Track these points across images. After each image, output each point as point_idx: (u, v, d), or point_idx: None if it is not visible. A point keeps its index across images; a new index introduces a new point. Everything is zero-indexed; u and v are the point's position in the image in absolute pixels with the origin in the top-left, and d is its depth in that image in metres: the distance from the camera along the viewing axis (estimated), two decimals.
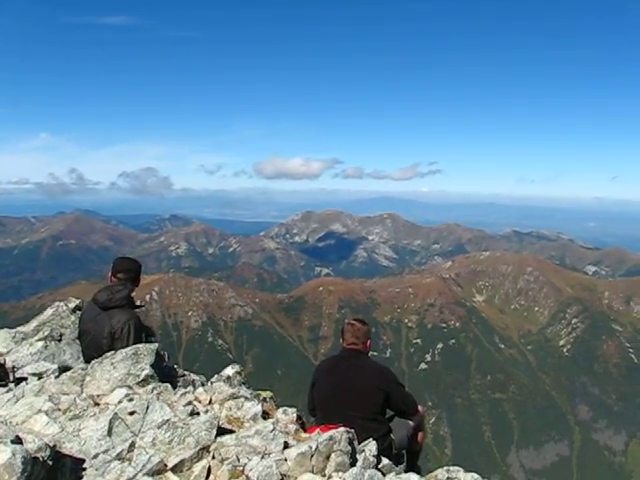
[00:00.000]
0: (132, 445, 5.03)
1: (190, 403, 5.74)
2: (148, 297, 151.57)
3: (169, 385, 6.20)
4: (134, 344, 6.90)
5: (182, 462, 4.88)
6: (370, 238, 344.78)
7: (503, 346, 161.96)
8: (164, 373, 6.87)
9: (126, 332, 7.11)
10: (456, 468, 5.76)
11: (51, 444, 4.78)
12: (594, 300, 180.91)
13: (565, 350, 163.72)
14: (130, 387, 6.02)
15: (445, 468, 5.81)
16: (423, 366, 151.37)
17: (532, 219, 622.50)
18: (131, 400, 5.56)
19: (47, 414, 5.45)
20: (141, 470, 4.67)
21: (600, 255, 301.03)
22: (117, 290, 7.48)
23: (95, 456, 4.96)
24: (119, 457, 4.92)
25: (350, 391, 6.78)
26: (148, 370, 6.25)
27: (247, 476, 4.81)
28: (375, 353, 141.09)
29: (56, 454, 4.78)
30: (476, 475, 5.50)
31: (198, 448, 5.04)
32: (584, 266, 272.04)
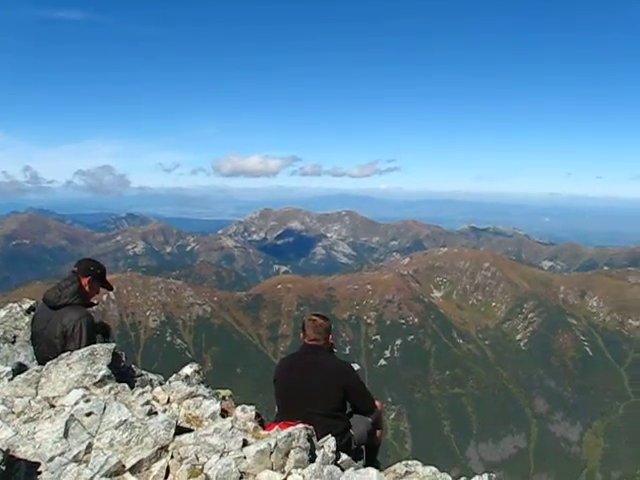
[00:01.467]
0: (89, 447, 4.96)
1: (148, 403, 5.69)
2: (105, 297, 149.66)
3: (126, 385, 6.13)
4: (87, 343, 6.82)
5: (140, 462, 4.84)
6: (328, 235, 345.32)
7: (461, 341, 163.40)
8: (121, 373, 6.80)
9: (78, 331, 7.00)
10: (414, 462, 5.80)
11: (4, 448, 4.70)
12: (550, 294, 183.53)
13: (522, 344, 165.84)
14: (87, 388, 5.94)
15: (404, 462, 5.84)
16: (382, 362, 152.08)
17: (489, 215, 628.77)
18: (88, 401, 5.48)
19: (0, 418, 5.36)
20: (98, 472, 4.62)
21: (555, 250, 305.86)
22: (65, 286, 7.37)
23: (51, 459, 4.87)
24: (76, 459, 4.85)
25: (309, 387, 6.77)
26: (105, 370, 6.17)
27: (206, 475, 4.79)
28: (334, 350, 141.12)
29: (9, 458, 4.69)
30: (434, 468, 5.55)
31: (156, 448, 5.00)
32: (540, 261, 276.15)
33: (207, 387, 7.20)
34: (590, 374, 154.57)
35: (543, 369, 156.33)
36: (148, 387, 6.37)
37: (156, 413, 5.54)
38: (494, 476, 4.94)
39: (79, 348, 6.73)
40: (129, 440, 5.02)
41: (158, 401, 6.01)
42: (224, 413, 6.14)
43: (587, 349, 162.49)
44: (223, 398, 7.20)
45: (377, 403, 7.43)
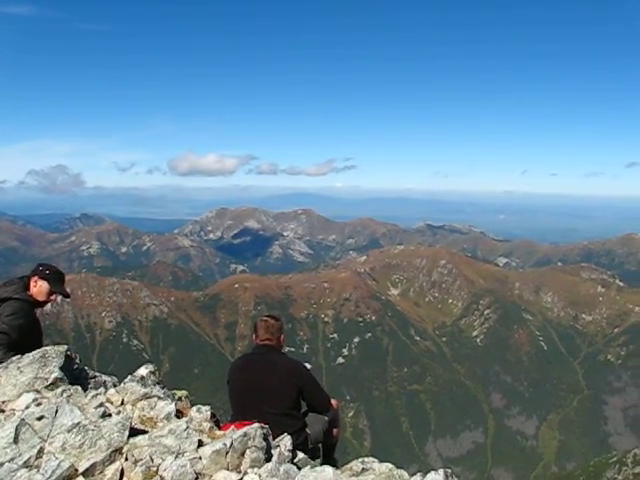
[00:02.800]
0: (40, 451, 4.88)
1: (102, 405, 5.61)
2: (59, 298, 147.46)
3: (79, 387, 6.05)
4: (19, 337, 6.82)
5: (94, 466, 4.77)
6: (285, 234, 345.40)
7: (418, 338, 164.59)
8: (74, 375, 6.70)
9: (10, 323, 6.99)
10: (371, 459, 5.81)
11: None
12: (505, 291, 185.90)
13: (478, 340, 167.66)
14: (38, 391, 5.84)
15: (360, 460, 5.85)
16: (340, 360, 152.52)
17: (445, 213, 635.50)
18: (39, 405, 5.40)
19: None
20: (50, 476, 4.54)
21: (510, 247, 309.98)
22: (12, 283, 7.41)
23: (0, 465, 4.79)
24: (26, 465, 4.76)
25: (264, 387, 6.79)
26: (57, 373, 6.08)
27: (161, 476, 4.74)
28: (292, 349, 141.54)
29: None
30: (390, 465, 5.56)
31: (110, 450, 4.93)
32: (495, 258, 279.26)
33: (163, 388, 7.13)
34: (545, 368, 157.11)
35: (499, 364, 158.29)
36: (102, 389, 6.29)
37: (110, 415, 5.47)
38: (449, 471, 4.96)
39: (15, 340, 6.82)
40: (82, 443, 4.94)
41: (112, 403, 5.94)
42: (180, 414, 6.10)
43: (542, 344, 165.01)
44: (179, 399, 7.13)
45: (333, 401, 7.45)
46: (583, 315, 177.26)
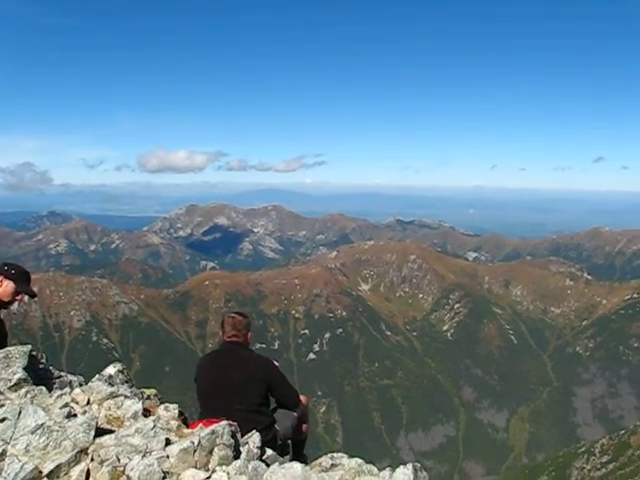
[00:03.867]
0: (3, 454, 4.79)
1: (67, 405, 5.54)
2: (27, 297, 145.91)
3: (44, 388, 5.97)
4: None
5: (58, 467, 4.68)
6: (255, 230, 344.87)
7: (389, 333, 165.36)
8: (39, 376, 6.61)
9: None
10: (340, 455, 5.79)
11: None
12: (475, 285, 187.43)
13: (449, 335, 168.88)
14: (1, 392, 5.75)
15: (329, 455, 5.83)
16: (312, 356, 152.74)
17: (415, 208, 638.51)
18: (2, 406, 5.30)
19: None
20: (13, 479, 4.46)
21: (480, 241, 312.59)
22: None
23: None
24: None
25: (232, 384, 6.76)
26: (20, 374, 5.99)
27: (128, 476, 4.68)
28: (263, 345, 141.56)
29: None
30: (360, 460, 5.55)
31: (75, 451, 4.86)
32: (465, 252, 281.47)
33: (131, 387, 7.06)
34: (515, 362, 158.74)
35: (470, 358, 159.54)
36: (67, 389, 6.20)
37: (75, 415, 5.39)
38: (418, 465, 4.97)
39: None
40: (46, 445, 4.86)
41: (78, 403, 5.85)
42: (147, 412, 6.04)
43: (512, 337, 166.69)
44: (148, 397, 7.06)
45: (302, 397, 7.44)
46: (552, 308, 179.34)
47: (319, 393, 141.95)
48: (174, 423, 5.68)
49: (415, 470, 4.87)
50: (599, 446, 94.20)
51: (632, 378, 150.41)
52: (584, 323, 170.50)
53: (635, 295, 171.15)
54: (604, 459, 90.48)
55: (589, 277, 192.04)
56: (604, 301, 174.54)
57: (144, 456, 4.87)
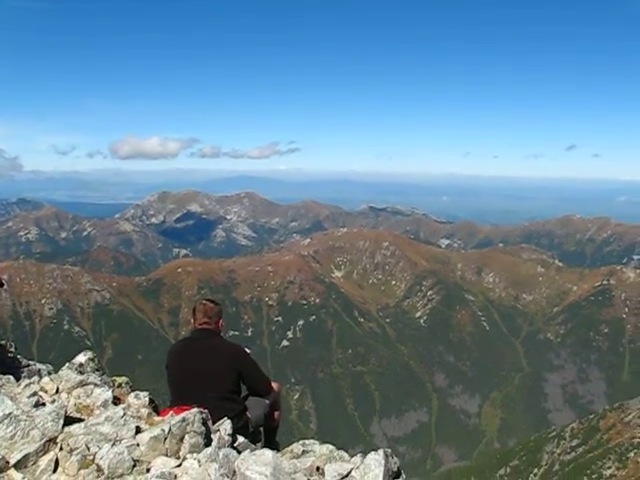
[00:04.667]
0: None
1: (35, 394, 5.47)
2: None
3: (12, 377, 5.91)
4: None
5: (26, 457, 4.63)
6: (228, 217, 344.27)
7: (362, 320, 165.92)
8: (7, 365, 6.56)
9: None
10: (312, 441, 5.81)
11: None
12: (448, 272, 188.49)
13: (422, 321, 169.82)
14: None
15: (301, 442, 5.85)
16: (285, 343, 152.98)
17: (388, 195, 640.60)
18: None
19: None
20: None
21: (452, 228, 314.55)
22: None
23: None
24: None
25: (203, 371, 6.72)
26: None
27: (98, 465, 4.63)
28: (236, 333, 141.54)
29: None
30: (331, 446, 5.57)
31: (44, 440, 4.80)
32: (438, 239, 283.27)
33: (102, 375, 7.01)
34: (487, 348, 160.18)
35: (442, 345, 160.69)
36: (35, 378, 6.13)
37: (44, 404, 5.33)
38: (389, 451, 5.00)
39: None
40: (14, 434, 4.80)
41: (46, 392, 5.80)
42: (117, 401, 5.99)
43: (484, 324, 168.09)
44: (119, 385, 7.02)
45: (274, 384, 7.42)
46: (524, 295, 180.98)
47: (292, 380, 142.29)
48: (144, 411, 5.65)
49: (386, 455, 4.89)
50: (569, 430, 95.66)
51: (602, 363, 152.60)
52: (555, 310, 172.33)
53: (605, 282, 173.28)
54: (574, 443, 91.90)
55: (560, 264, 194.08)
56: (575, 288, 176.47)
57: (114, 444, 4.83)
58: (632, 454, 76.92)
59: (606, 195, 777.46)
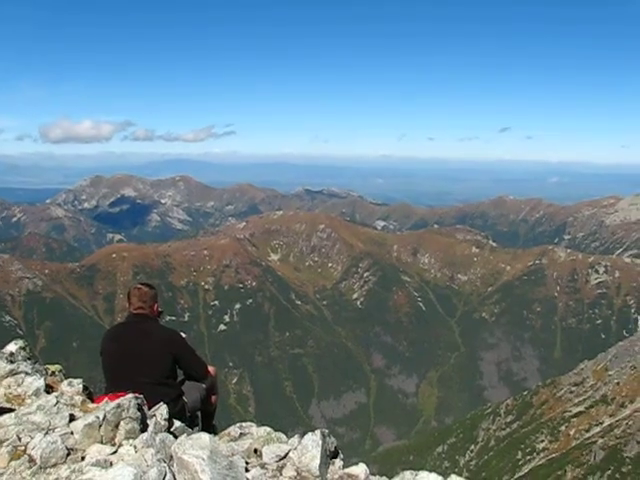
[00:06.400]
0: None
1: None
2: None
3: None
4: None
5: None
6: (163, 202, 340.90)
7: (299, 303, 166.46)
8: None
9: None
10: (249, 424, 5.83)
11: None
12: (384, 254, 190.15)
13: (359, 303, 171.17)
14: None
15: (238, 424, 5.86)
16: (222, 327, 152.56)
17: (323, 177, 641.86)
18: None
19: None
20: None
21: (388, 210, 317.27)
22: None
23: None
24: None
25: (138, 356, 6.64)
26: None
27: (30, 455, 4.54)
28: (173, 318, 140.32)
29: None
30: (268, 429, 5.59)
31: None
32: (373, 221, 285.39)
33: (35, 363, 6.86)
34: (424, 328, 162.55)
35: (379, 326, 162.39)
36: None
37: None
38: (326, 431, 5.04)
39: None
40: None
41: None
42: (50, 389, 5.89)
43: (420, 304, 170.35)
44: (52, 373, 6.88)
45: (210, 368, 7.38)
46: (459, 275, 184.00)
47: (230, 364, 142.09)
48: (78, 398, 5.57)
49: (323, 436, 4.93)
50: (504, 407, 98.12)
51: (535, 341, 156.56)
52: (489, 289, 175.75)
53: (537, 261, 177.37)
54: (508, 419, 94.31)
55: (494, 244, 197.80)
56: (508, 267, 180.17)
57: (47, 433, 4.74)
58: (563, 427, 79.40)
59: (538, 176, 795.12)
